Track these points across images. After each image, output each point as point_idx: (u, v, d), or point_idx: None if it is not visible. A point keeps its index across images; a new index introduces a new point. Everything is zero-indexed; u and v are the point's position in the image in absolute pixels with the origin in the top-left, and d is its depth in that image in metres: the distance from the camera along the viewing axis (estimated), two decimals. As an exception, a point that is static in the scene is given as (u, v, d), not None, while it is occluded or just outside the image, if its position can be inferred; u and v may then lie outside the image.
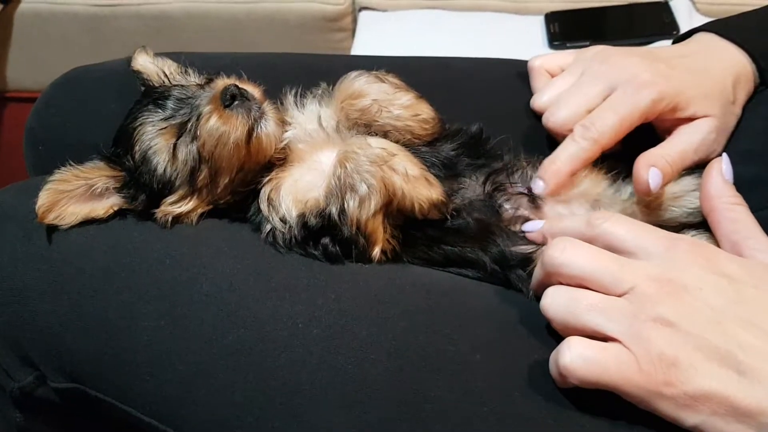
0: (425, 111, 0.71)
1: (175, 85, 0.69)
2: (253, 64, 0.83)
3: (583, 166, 0.70)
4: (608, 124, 0.69)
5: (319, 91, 0.75)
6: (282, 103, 0.73)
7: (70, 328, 0.63)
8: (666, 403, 0.51)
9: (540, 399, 0.55)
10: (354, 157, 0.64)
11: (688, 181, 0.72)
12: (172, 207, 0.67)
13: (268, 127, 0.66)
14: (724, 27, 0.77)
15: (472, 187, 0.70)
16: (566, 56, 0.80)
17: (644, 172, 0.68)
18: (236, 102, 0.65)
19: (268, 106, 0.67)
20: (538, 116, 0.78)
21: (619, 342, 0.53)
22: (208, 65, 0.81)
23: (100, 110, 0.80)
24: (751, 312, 0.52)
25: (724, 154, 0.66)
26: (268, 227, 0.66)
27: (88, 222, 0.66)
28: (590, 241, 0.58)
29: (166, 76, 0.72)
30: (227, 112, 0.64)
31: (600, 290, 0.55)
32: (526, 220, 0.69)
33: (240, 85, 0.66)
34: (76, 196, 0.66)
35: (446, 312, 0.62)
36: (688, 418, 0.51)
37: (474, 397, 0.56)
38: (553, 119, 0.73)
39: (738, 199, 0.63)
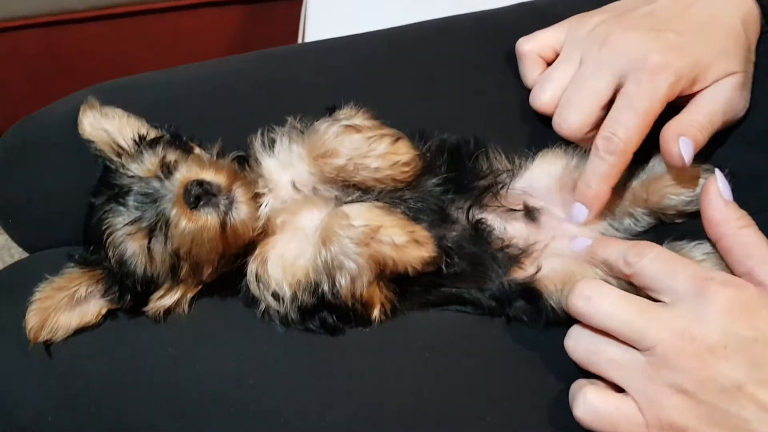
0: (404, 153, 0.66)
1: (133, 177, 0.64)
2: (207, 89, 0.77)
3: (618, 178, 0.66)
4: (631, 127, 0.63)
5: (287, 129, 0.70)
6: (248, 155, 0.69)
7: None
8: None
9: None
10: (337, 239, 0.61)
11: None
12: (161, 301, 0.65)
13: (240, 214, 0.63)
14: None
15: (460, 223, 0.68)
16: (557, 33, 0.72)
17: (674, 143, 0.63)
18: (202, 201, 0.60)
19: (237, 189, 0.63)
20: (522, 91, 0.73)
21: (634, 400, 0.55)
22: (160, 99, 0.75)
23: (60, 173, 0.75)
24: None
25: (717, 171, 0.62)
26: (262, 306, 0.65)
27: (81, 329, 0.65)
28: (626, 278, 0.59)
29: (120, 150, 0.67)
30: (195, 214, 0.61)
31: (623, 341, 0.56)
32: (511, 243, 0.68)
33: (201, 179, 0.61)
34: (62, 307, 0.64)
35: (457, 369, 0.64)
36: None
37: None
38: (566, 126, 0.68)
39: (745, 219, 0.60)
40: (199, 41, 1.55)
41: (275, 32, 1.38)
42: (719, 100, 0.66)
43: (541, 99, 0.70)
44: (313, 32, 1.09)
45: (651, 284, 0.57)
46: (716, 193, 0.61)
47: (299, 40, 1.16)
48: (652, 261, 0.58)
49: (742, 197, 0.62)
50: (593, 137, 0.66)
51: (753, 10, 0.68)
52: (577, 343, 0.59)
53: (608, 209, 0.69)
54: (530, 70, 0.73)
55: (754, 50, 0.69)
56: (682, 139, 0.63)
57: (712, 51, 0.65)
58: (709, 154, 0.69)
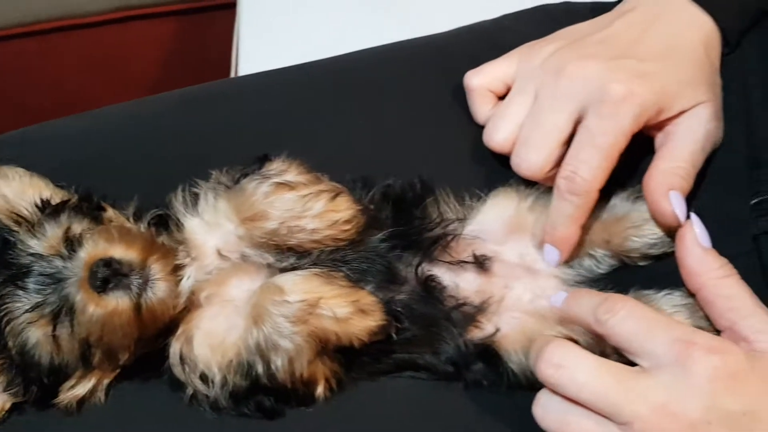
0: (344, 210, 0.59)
1: (33, 254, 0.56)
2: (124, 139, 0.69)
3: (585, 218, 0.61)
4: (594, 166, 0.58)
5: (212, 184, 0.62)
6: (169, 214, 0.62)
7: None
8: None
9: None
10: (270, 318, 0.55)
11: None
12: (73, 391, 0.58)
13: (157, 293, 0.55)
14: None
15: (409, 283, 0.62)
16: (507, 65, 0.67)
17: (665, 201, 0.59)
18: (111, 284, 0.53)
19: (153, 264, 0.55)
20: (472, 125, 0.69)
21: None
22: (71, 152, 0.69)
23: None
24: None
25: (693, 216, 0.57)
26: (189, 390, 0.58)
27: (-19, 428, 0.58)
28: (599, 336, 0.54)
29: (19, 219, 0.59)
30: (103, 298, 0.53)
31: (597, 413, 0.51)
32: (465, 300, 0.62)
33: (109, 257, 0.53)
34: (-42, 405, 0.56)
35: None
36: None
37: None
38: (526, 166, 0.62)
39: (726, 269, 0.55)
40: (132, 54, 1.48)
41: (210, 42, 1.32)
42: (698, 138, 0.61)
43: (496, 138, 0.65)
44: (247, 42, 1.02)
45: (626, 346, 0.52)
46: (693, 240, 0.56)
47: (233, 51, 1.08)
48: (624, 320, 0.52)
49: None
50: (554, 175, 0.61)
51: (713, 33, 0.64)
52: (546, 412, 0.53)
53: None
54: (480, 107, 0.68)
55: (719, 71, 0.65)
56: (673, 194, 0.58)
57: (677, 79, 0.61)
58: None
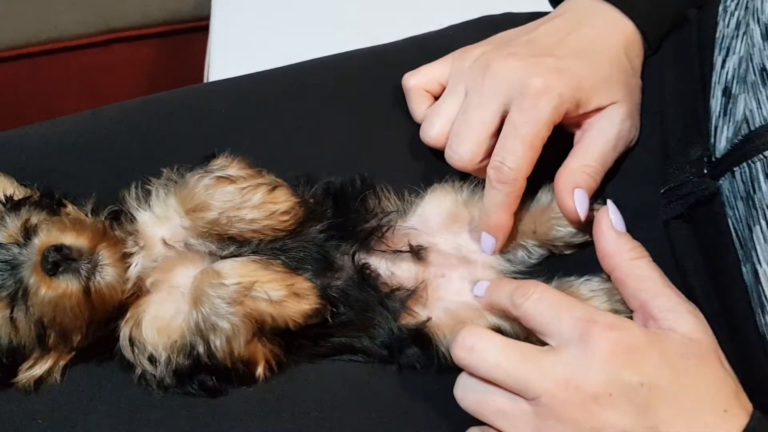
0: (282, 203, 0.64)
1: (-10, 244, 0.60)
2: (84, 142, 0.73)
3: (516, 205, 0.65)
4: (519, 155, 0.62)
5: (163, 181, 0.67)
6: (123, 209, 0.66)
7: None
8: None
9: None
10: (207, 299, 0.58)
11: None
12: (31, 371, 0.62)
13: (105, 278, 0.59)
14: None
15: (345, 270, 0.66)
16: (442, 67, 0.72)
17: (569, 199, 0.63)
18: (61, 267, 0.57)
19: (102, 251, 0.60)
20: (410, 127, 0.73)
21: None
22: (34, 155, 0.73)
23: None
24: (661, 420, 0.51)
25: (609, 203, 0.61)
26: (138, 371, 0.62)
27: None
28: (516, 319, 0.58)
29: (-18, 214, 0.63)
30: (54, 281, 0.57)
31: (509, 391, 0.55)
32: (400, 287, 0.66)
33: (60, 244, 0.58)
34: None
35: (347, 423, 0.62)
36: None
37: None
38: (458, 157, 0.66)
39: (638, 251, 0.59)
40: (115, 75, 1.54)
41: (188, 64, 1.37)
42: (609, 137, 0.65)
43: (430, 134, 0.69)
44: (218, 65, 1.07)
45: (537, 327, 0.56)
46: (608, 224, 0.60)
47: (205, 72, 1.13)
48: (536, 302, 0.56)
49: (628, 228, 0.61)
50: (485, 167, 0.65)
51: (634, 36, 0.68)
52: (465, 393, 0.57)
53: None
54: (417, 105, 0.72)
55: (639, 73, 0.69)
56: (577, 192, 0.63)
57: (593, 76, 0.65)
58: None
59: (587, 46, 0.66)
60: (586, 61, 0.65)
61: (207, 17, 1.37)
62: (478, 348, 0.55)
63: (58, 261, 0.57)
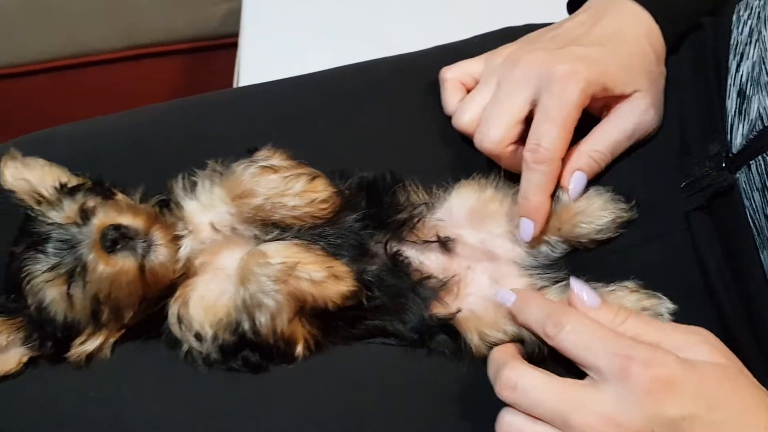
0: (321, 191, 0.68)
1: (52, 224, 0.64)
2: (127, 139, 0.78)
3: (553, 186, 0.68)
4: (553, 137, 0.65)
5: (208, 172, 0.71)
6: (170, 198, 0.70)
7: None
8: None
9: None
10: (254, 277, 0.62)
11: (595, 196, 0.70)
12: (83, 346, 0.65)
13: (159, 257, 0.63)
14: None
15: (379, 257, 0.69)
16: (476, 64, 0.76)
17: (567, 177, 0.67)
18: (118, 245, 0.61)
19: (155, 232, 0.64)
20: (439, 127, 0.77)
21: None
22: (80, 150, 0.77)
23: None
24: None
25: (573, 283, 0.62)
26: (185, 347, 0.65)
27: (1, 378, 0.65)
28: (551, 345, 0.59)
29: (41, 199, 0.67)
30: (112, 258, 0.61)
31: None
32: (430, 275, 0.69)
33: (118, 223, 0.62)
34: (-19, 356, 0.64)
35: (380, 400, 0.65)
36: None
37: None
38: (487, 140, 0.70)
39: (621, 315, 0.59)
40: (139, 90, 1.57)
41: (212, 80, 1.42)
42: (627, 126, 0.69)
43: (463, 119, 0.73)
44: (247, 80, 1.11)
45: (574, 359, 0.57)
46: (584, 307, 0.60)
47: (234, 83, 1.18)
48: (569, 334, 0.57)
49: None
50: (512, 152, 0.69)
51: (655, 27, 0.71)
52: (510, 429, 0.58)
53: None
54: (451, 96, 0.76)
55: (663, 62, 0.73)
56: (577, 174, 0.67)
57: (617, 62, 0.68)
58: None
59: (611, 35, 0.70)
60: (610, 48, 0.69)
61: (232, 35, 1.43)
62: (521, 386, 0.56)
63: (116, 239, 0.61)
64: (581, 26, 0.72)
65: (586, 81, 0.66)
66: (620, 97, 0.69)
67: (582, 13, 0.74)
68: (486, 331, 0.67)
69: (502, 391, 0.57)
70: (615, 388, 0.54)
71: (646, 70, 0.70)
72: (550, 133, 0.66)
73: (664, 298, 0.66)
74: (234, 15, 1.44)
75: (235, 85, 1.19)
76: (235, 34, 1.40)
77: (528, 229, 0.68)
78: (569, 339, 0.57)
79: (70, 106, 1.56)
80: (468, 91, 0.76)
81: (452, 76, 0.76)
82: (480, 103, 0.72)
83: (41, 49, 1.50)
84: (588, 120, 0.70)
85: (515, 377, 0.57)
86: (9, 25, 1.45)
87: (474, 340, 0.67)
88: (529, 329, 0.62)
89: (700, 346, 0.56)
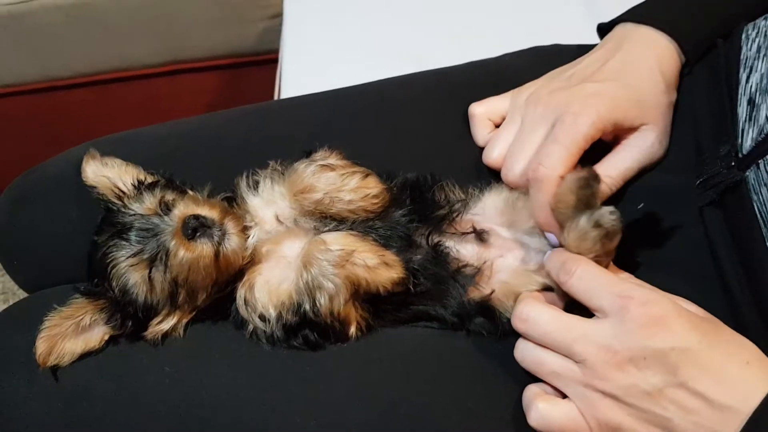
0: (373, 188, 0.75)
1: (134, 215, 0.72)
2: (195, 142, 0.86)
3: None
4: (555, 157, 0.71)
5: (269, 171, 0.78)
6: (236, 194, 0.78)
7: None
8: None
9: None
10: (316, 262, 0.69)
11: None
12: (159, 326, 0.72)
13: (231, 244, 0.71)
14: (638, 13, 0.81)
15: (423, 248, 0.76)
16: (503, 101, 0.83)
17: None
18: (198, 233, 0.69)
19: (228, 223, 0.71)
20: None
21: (575, 405, 0.64)
22: (152, 151, 0.85)
23: (61, 219, 0.83)
24: (689, 376, 0.59)
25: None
26: (250, 327, 0.73)
27: (85, 354, 0.72)
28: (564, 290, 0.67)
29: (121, 194, 0.75)
30: (192, 244, 0.69)
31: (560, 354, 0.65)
32: (467, 264, 0.76)
33: (197, 214, 0.69)
34: (69, 334, 0.71)
35: (425, 376, 0.72)
36: None
37: None
38: (511, 175, 0.77)
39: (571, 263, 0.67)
40: (178, 105, 1.65)
41: (249, 95, 1.48)
42: (637, 158, 0.77)
43: (492, 156, 0.81)
44: (287, 93, 1.19)
45: (582, 300, 0.66)
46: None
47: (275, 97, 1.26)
48: (578, 280, 0.66)
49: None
50: None
51: (668, 50, 0.78)
52: (524, 355, 0.68)
53: None
54: (480, 130, 0.84)
55: (675, 86, 0.80)
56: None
57: (628, 96, 0.75)
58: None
59: (622, 69, 0.77)
60: (621, 82, 0.76)
61: (268, 51, 1.51)
62: (531, 319, 0.66)
63: (196, 227, 0.69)
64: (596, 63, 0.79)
65: (598, 115, 0.72)
66: (630, 129, 0.77)
67: (599, 50, 0.81)
68: (520, 291, 0.73)
69: (516, 323, 0.67)
70: (614, 322, 0.62)
71: (655, 102, 0.77)
72: (552, 153, 0.71)
73: None
74: (270, 33, 1.53)
75: (276, 98, 1.26)
76: (272, 51, 1.49)
77: (551, 238, 0.74)
78: (578, 284, 0.65)
79: (112, 119, 1.64)
80: (495, 125, 0.84)
81: (480, 111, 0.84)
82: (506, 141, 0.80)
83: (89, 63, 1.58)
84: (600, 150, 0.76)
85: (527, 311, 0.66)
86: (57, 41, 1.53)
87: (511, 306, 0.72)
88: (553, 274, 0.69)
89: (691, 305, 0.65)
